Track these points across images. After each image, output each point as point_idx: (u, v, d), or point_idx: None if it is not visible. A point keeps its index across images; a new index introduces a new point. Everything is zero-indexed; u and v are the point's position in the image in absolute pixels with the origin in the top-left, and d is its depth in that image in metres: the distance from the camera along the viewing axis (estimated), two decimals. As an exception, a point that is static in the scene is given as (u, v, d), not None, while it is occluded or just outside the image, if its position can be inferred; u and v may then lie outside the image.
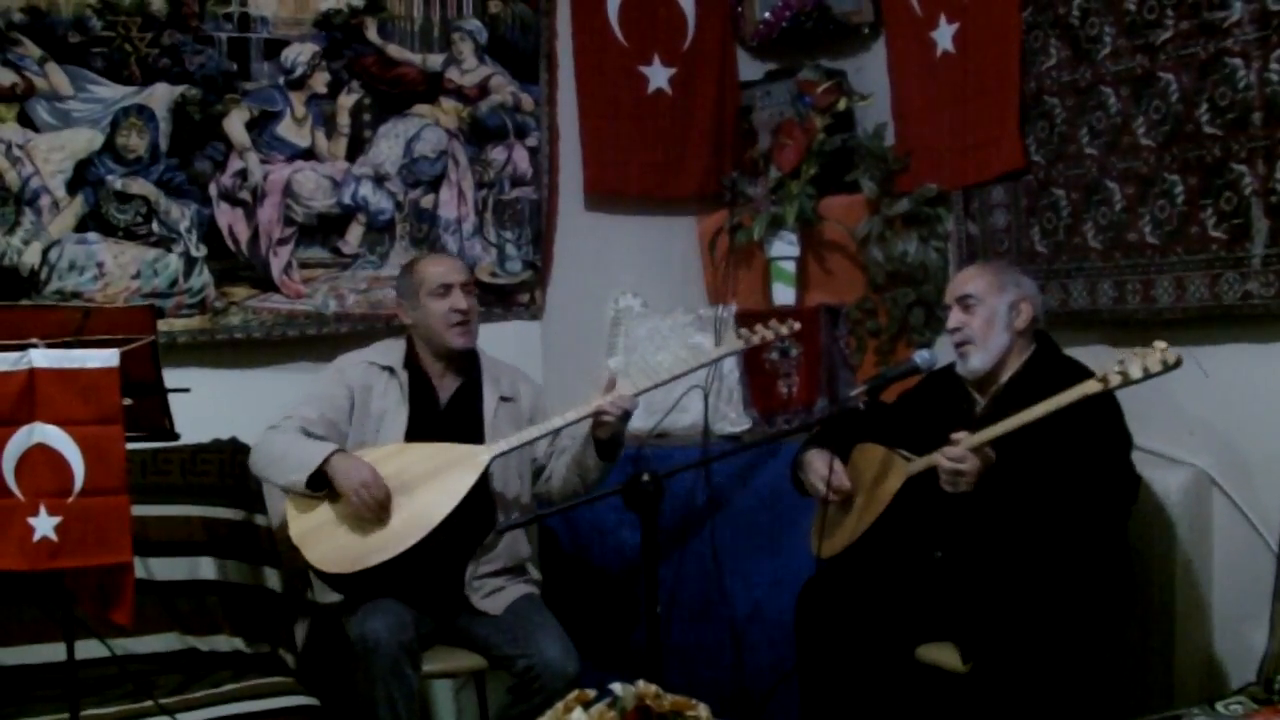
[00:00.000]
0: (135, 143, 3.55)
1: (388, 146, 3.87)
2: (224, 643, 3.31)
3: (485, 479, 3.12)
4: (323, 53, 3.77)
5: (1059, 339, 3.09)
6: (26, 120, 3.43)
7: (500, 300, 4.02)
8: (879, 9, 4.14)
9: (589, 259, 4.18)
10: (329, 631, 3.34)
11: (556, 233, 4.15)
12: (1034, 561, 2.75)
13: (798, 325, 3.33)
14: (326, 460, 3.01)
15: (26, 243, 3.44)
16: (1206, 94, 2.99)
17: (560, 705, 2.12)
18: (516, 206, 4.07)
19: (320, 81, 3.77)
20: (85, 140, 3.50)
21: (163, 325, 3.40)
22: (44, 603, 3.03)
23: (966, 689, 2.73)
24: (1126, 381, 2.52)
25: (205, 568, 3.37)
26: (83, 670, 2.80)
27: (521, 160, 4.07)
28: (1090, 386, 2.56)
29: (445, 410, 3.26)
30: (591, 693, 2.15)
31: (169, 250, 3.60)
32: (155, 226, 3.58)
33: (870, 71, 4.17)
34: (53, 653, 2.93)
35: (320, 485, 3.04)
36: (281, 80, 3.72)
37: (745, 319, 3.98)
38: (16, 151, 3.42)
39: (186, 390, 2.78)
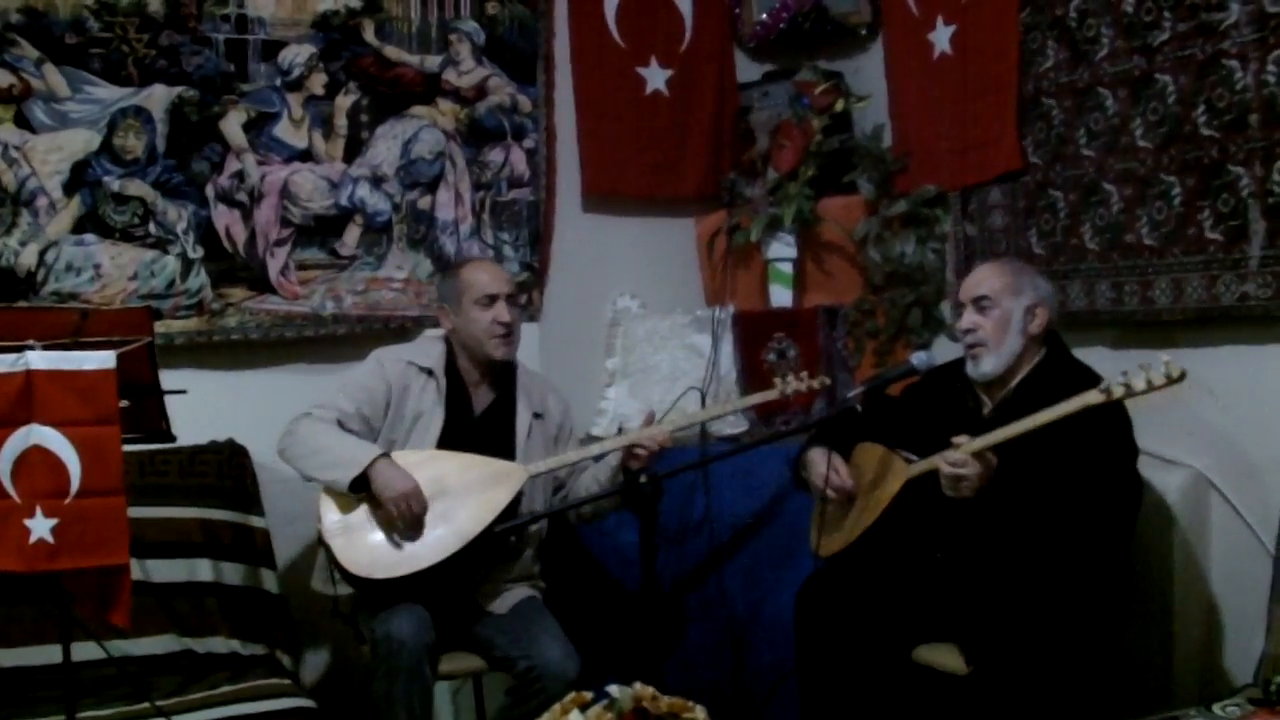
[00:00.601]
0: (132, 144, 3.55)
1: (385, 148, 3.87)
2: (221, 644, 3.31)
3: (516, 496, 3.12)
4: (320, 54, 3.76)
5: (1056, 340, 3.09)
6: (24, 121, 3.43)
7: (498, 301, 4.02)
8: (877, 10, 4.14)
9: (587, 260, 4.18)
10: (332, 630, 3.35)
11: (554, 234, 4.14)
12: (1034, 564, 2.74)
13: (829, 381, 3.34)
14: (371, 465, 2.99)
15: (24, 244, 3.43)
16: (1204, 95, 2.99)
17: (558, 707, 2.12)
18: (514, 208, 4.06)
19: (318, 83, 3.77)
20: (82, 141, 3.49)
21: (160, 326, 3.40)
22: (41, 604, 3.03)
23: (966, 690, 2.72)
24: (1130, 393, 2.51)
25: (202, 569, 3.36)
26: (80, 672, 2.80)
27: (519, 161, 4.07)
28: (1092, 397, 2.54)
29: (479, 420, 3.23)
30: (589, 695, 2.15)
31: (166, 251, 3.60)
32: (152, 228, 3.58)
33: (868, 73, 4.17)
34: (50, 654, 2.91)
35: (360, 488, 3.01)
36: (279, 81, 3.72)
37: (744, 320, 3.99)
38: (13, 153, 3.42)
39: (183, 392, 2.77)
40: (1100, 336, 3.35)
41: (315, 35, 3.76)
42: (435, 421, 3.18)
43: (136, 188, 3.56)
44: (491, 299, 3.18)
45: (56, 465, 2.43)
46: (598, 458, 3.20)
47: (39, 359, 2.44)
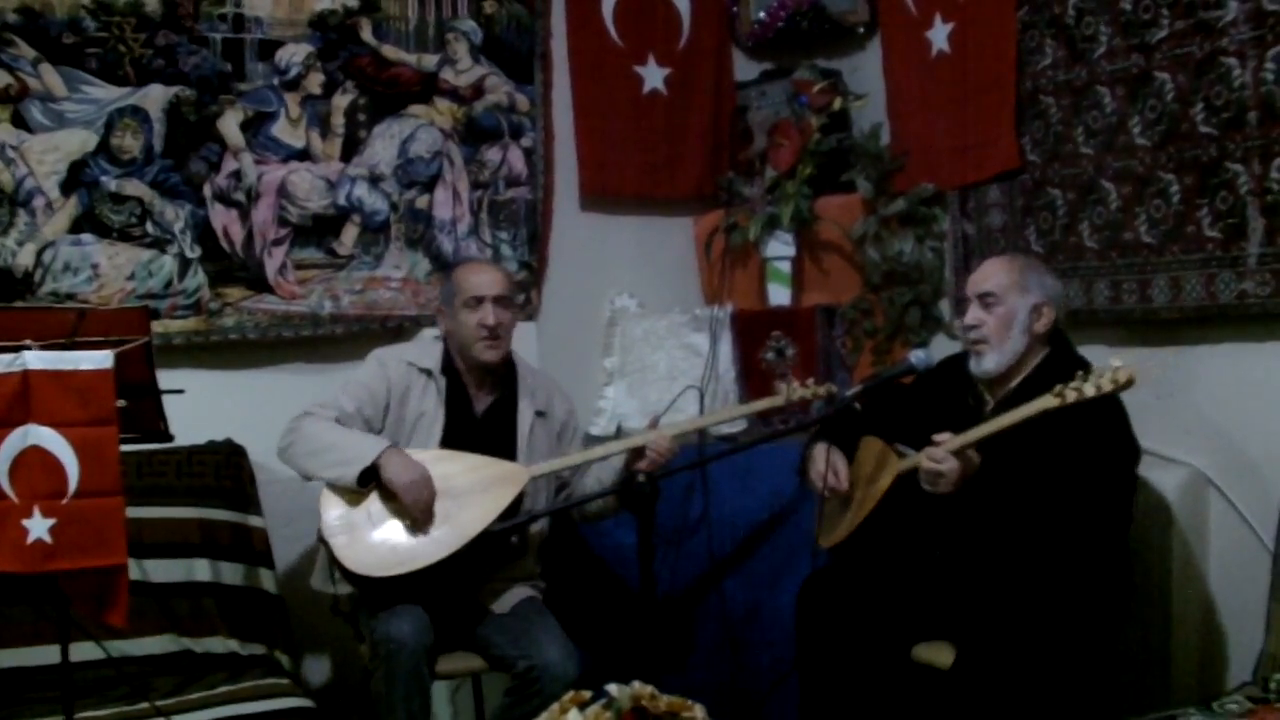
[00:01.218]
0: (130, 144, 3.54)
1: (382, 147, 3.86)
2: (219, 644, 3.31)
3: (519, 496, 3.12)
4: (317, 53, 3.76)
5: (1055, 338, 3.09)
6: (20, 121, 3.42)
7: (496, 301, 4.02)
8: (874, 9, 4.14)
9: (585, 259, 4.18)
10: (332, 630, 3.35)
11: (552, 233, 4.14)
12: (1032, 562, 2.74)
13: (835, 389, 3.30)
14: (380, 455, 2.99)
15: (21, 244, 3.43)
16: (1202, 93, 2.99)
17: (556, 706, 2.12)
18: (512, 207, 4.06)
19: (315, 82, 3.76)
20: (80, 141, 3.49)
21: (157, 326, 3.39)
22: (39, 605, 3.03)
23: (965, 689, 2.72)
24: (1081, 398, 2.49)
25: (200, 569, 3.36)
26: (78, 672, 2.80)
27: (517, 160, 4.06)
28: (1048, 402, 2.52)
29: (481, 421, 3.23)
30: (587, 694, 2.15)
31: (164, 251, 3.59)
32: (150, 228, 3.57)
33: (866, 71, 4.17)
34: (48, 655, 2.92)
35: (366, 480, 3.00)
36: (276, 81, 3.71)
37: (742, 319, 3.99)
38: (10, 153, 3.41)
39: (181, 392, 2.77)
40: (1099, 335, 3.35)
41: (312, 35, 3.75)
42: (436, 423, 3.17)
43: (134, 187, 3.55)
44: (478, 301, 3.17)
45: (54, 466, 2.43)
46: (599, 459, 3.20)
47: (36, 359, 2.43)
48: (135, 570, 3.10)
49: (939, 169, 3.84)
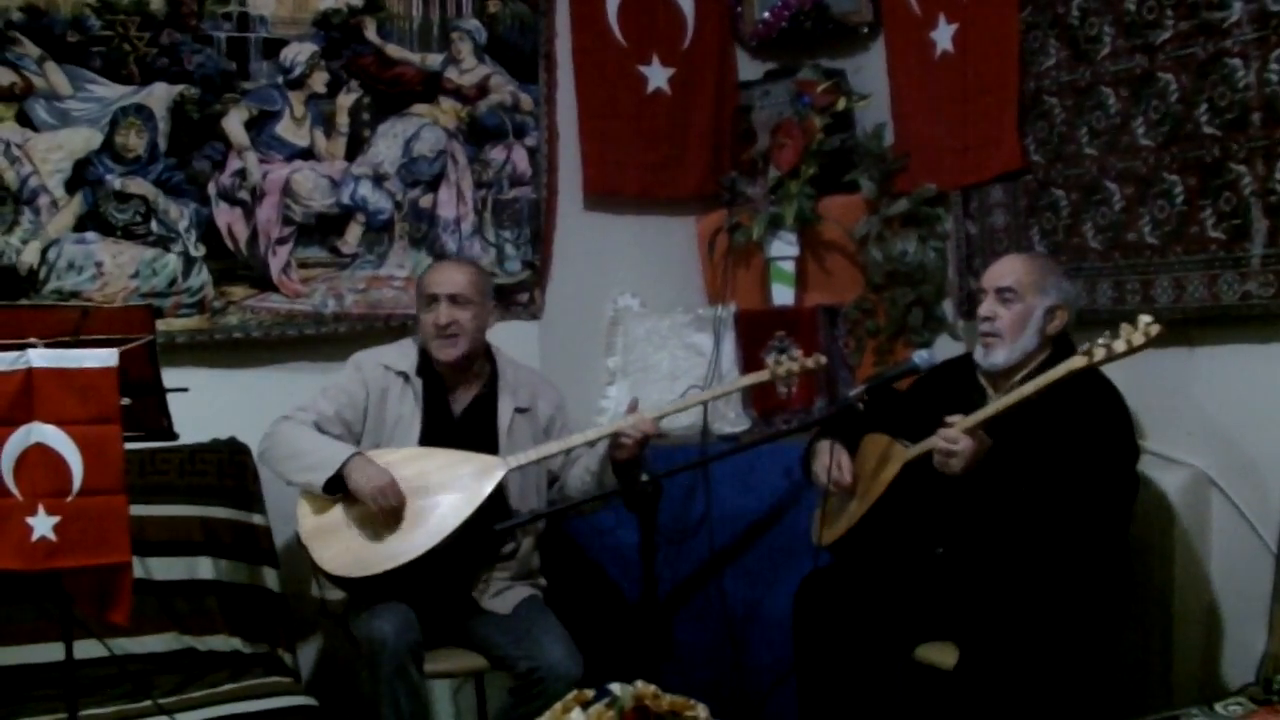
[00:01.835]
0: (134, 142, 3.55)
1: (386, 146, 3.87)
2: (222, 643, 3.31)
3: (502, 490, 3.11)
4: (321, 52, 3.76)
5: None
6: (25, 119, 3.43)
7: (499, 300, 4.00)
8: (878, 9, 4.14)
9: (588, 259, 4.18)
10: (332, 629, 3.35)
11: (555, 232, 4.14)
12: (1034, 561, 2.74)
13: (824, 360, 3.30)
14: (345, 463, 3.00)
15: (25, 242, 3.43)
16: (1205, 94, 2.99)
17: (559, 705, 2.12)
18: (515, 206, 4.06)
19: (319, 81, 3.77)
20: (84, 140, 3.49)
21: (161, 325, 3.39)
22: (42, 602, 3.04)
23: (965, 689, 2.72)
24: (1110, 356, 2.52)
25: (203, 568, 3.37)
26: (81, 670, 2.80)
27: (520, 160, 4.07)
28: (1076, 362, 2.57)
29: (460, 420, 3.24)
30: (590, 693, 2.15)
31: (167, 250, 3.59)
32: (154, 226, 3.58)
33: (869, 71, 4.17)
34: (51, 652, 2.93)
35: (336, 488, 3.02)
36: (280, 80, 3.72)
37: (745, 319, 3.99)
38: (15, 151, 3.41)
39: (185, 390, 2.78)
40: (1101, 335, 3.34)
41: (316, 33, 3.75)
42: (414, 424, 3.18)
43: (138, 186, 3.55)
44: (433, 299, 3.18)
45: (58, 463, 2.43)
46: (591, 443, 3.18)
47: (40, 357, 2.44)
48: (138, 568, 3.10)
49: (942, 169, 3.84)
